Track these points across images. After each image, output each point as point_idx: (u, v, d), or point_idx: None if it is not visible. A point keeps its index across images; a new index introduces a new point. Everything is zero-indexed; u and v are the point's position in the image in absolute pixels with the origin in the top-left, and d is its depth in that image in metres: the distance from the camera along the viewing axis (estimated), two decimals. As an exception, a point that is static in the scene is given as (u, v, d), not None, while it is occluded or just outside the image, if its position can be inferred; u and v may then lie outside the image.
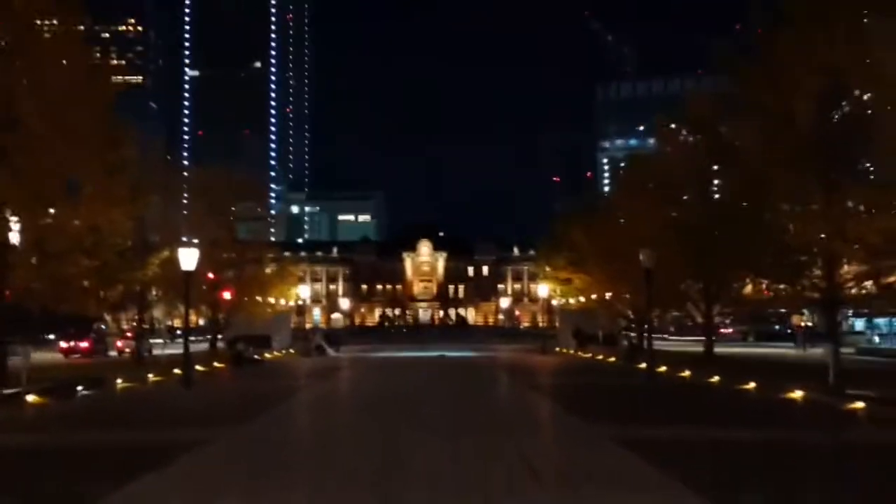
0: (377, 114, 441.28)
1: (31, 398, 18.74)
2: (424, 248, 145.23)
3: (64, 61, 22.20)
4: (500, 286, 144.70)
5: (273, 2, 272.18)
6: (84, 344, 52.75)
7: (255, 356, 40.32)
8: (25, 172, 21.23)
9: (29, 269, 20.72)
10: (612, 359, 38.72)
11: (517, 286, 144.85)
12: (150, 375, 26.55)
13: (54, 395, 20.05)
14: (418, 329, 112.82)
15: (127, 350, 47.46)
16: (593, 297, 49.72)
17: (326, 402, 20.64)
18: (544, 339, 61.44)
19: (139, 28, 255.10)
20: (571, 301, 58.78)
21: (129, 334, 53.25)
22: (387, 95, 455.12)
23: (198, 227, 45.68)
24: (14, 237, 20.33)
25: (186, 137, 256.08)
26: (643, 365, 28.29)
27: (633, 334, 46.50)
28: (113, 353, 50.88)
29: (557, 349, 51.40)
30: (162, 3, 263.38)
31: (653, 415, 17.00)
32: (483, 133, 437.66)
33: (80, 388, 21.83)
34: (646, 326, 33.82)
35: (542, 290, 66.36)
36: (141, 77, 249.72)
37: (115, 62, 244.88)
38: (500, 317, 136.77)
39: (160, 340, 54.37)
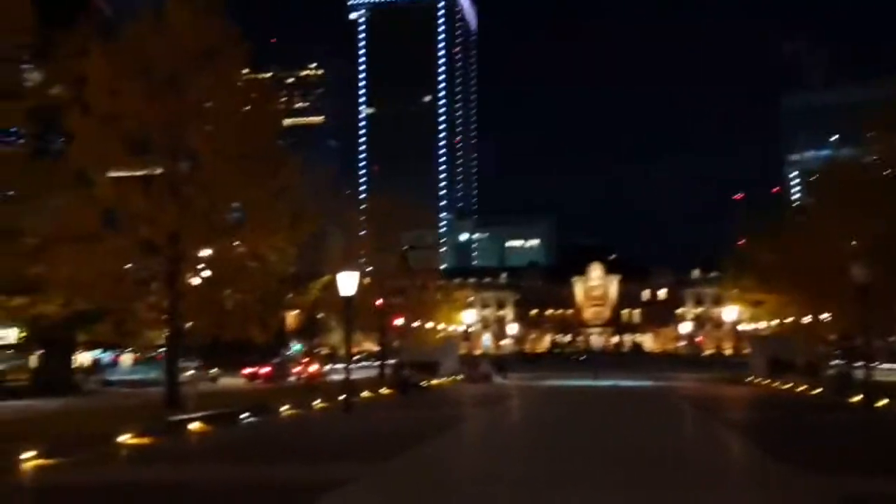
0: (545, 138, 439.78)
1: (194, 426, 18.66)
2: (595, 271, 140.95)
3: (230, 92, 22.58)
4: (679, 310, 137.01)
5: (441, 38, 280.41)
6: (265, 370, 55.03)
7: (422, 382, 39.58)
8: (195, 203, 21.66)
9: (195, 297, 21.01)
10: (817, 390, 34.07)
11: (698, 310, 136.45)
12: (317, 402, 26.32)
13: (218, 422, 19.95)
14: (590, 356, 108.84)
15: (308, 373, 48.99)
16: (788, 320, 44.58)
17: (485, 438, 18.82)
18: (733, 367, 56.33)
19: (319, 72, 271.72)
20: (763, 325, 53.30)
21: (305, 360, 54.79)
22: (554, 119, 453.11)
23: (368, 255, 46.87)
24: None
25: (363, 172, 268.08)
26: (857, 398, 24.22)
27: (840, 362, 41.04)
28: (292, 379, 52.40)
29: (748, 379, 46.54)
30: (339, 48, 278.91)
31: (881, 462, 13.77)
32: (655, 152, 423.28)
33: (244, 415, 21.73)
34: (858, 352, 29.25)
35: (729, 313, 60.84)
36: (322, 117, 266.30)
37: (298, 105, 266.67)
38: (680, 343, 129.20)
39: (339, 366, 55.59)
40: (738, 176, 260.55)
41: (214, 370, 58.75)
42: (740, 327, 68.59)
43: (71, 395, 41.36)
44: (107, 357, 67.44)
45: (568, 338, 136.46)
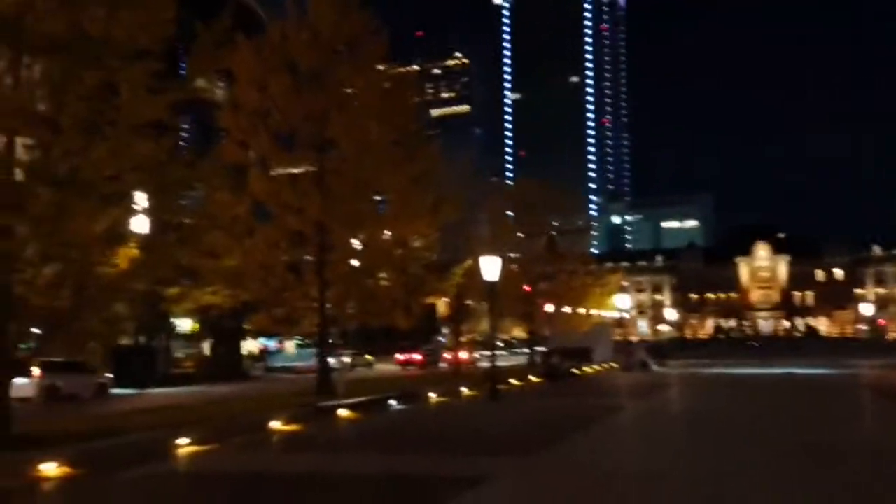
0: (701, 115, 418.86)
1: (342, 413, 18.81)
2: (762, 251, 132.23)
3: (370, 82, 22.63)
4: (858, 291, 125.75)
5: (587, 17, 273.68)
6: (417, 356, 55.99)
7: (573, 370, 38.44)
8: (338, 192, 21.93)
9: (341, 285, 21.27)
10: None
11: (880, 290, 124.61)
12: (465, 389, 26.04)
13: (366, 409, 20.06)
14: (759, 342, 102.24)
15: (458, 360, 49.19)
16: None
17: (640, 431, 17.41)
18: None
19: (464, 61, 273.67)
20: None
21: (455, 347, 55.09)
22: (709, 94, 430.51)
23: (516, 240, 46.29)
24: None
25: (510, 158, 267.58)
26: None
27: None
28: (443, 366, 52.84)
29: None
30: (484, 36, 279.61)
31: None
32: (820, 122, 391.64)
33: (392, 402, 21.77)
34: None
35: None
36: (467, 106, 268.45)
37: (444, 95, 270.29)
38: (860, 327, 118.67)
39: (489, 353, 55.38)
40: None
41: (370, 357, 60.63)
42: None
43: (238, 380, 43.97)
44: (272, 344, 71.41)
45: (732, 322, 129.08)
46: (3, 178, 12.44)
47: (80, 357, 33.35)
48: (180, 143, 23.64)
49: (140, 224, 34.98)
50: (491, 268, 22.20)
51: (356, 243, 21.74)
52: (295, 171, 22.28)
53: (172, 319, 46.38)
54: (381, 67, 23.23)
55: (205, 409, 19.62)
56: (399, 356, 57.10)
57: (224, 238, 23.24)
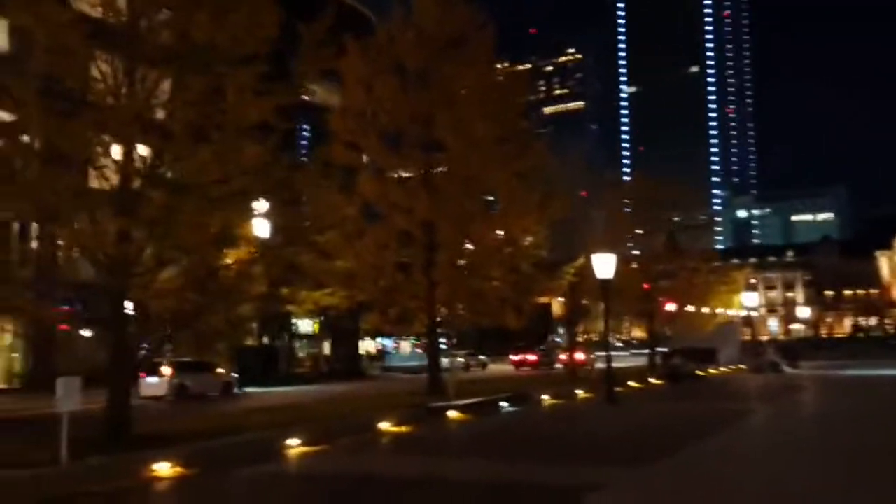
0: (830, 102, 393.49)
1: (452, 414, 18.51)
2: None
3: (476, 78, 22.29)
4: None
5: (707, 2, 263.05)
6: (532, 357, 55.24)
7: (696, 372, 36.60)
8: (446, 191, 21.74)
9: (449, 284, 21.01)
10: None
11: None
12: (580, 391, 25.22)
13: (477, 411, 19.68)
14: (890, 340, 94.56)
15: (574, 361, 48.06)
16: None
17: (769, 439, 15.91)
18: None
19: (578, 56, 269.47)
20: None
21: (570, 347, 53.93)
22: (842, 80, 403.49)
23: (634, 237, 44.76)
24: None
25: (627, 154, 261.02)
26: None
27: None
28: (558, 366, 51.86)
29: None
30: (598, 30, 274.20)
31: None
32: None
33: (504, 404, 21.28)
34: None
35: None
36: (581, 102, 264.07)
37: (557, 92, 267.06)
38: None
39: (613, 353, 53.46)
40: None
41: (483, 357, 60.38)
42: None
43: (356, 380, 44.85)
44: (390, 344, 72.57)
45: (873, 321, 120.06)
46: (122, 185, 12.91)
47: (206, 357, 35.00)
48: (295, 145, 24.15)
49: (259, 227, 36.02)
50: (604, 265, 21.29)
51: (462, 240, 21.40)
52: (403, 172, 22.27)
53: (294, 320, 48.05)
54: (488, 63, 22.78)
55: (319, 409, 19.85)
56: (513, 357, 56.55)
57: (337, 239, 23.61)
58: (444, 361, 56.07)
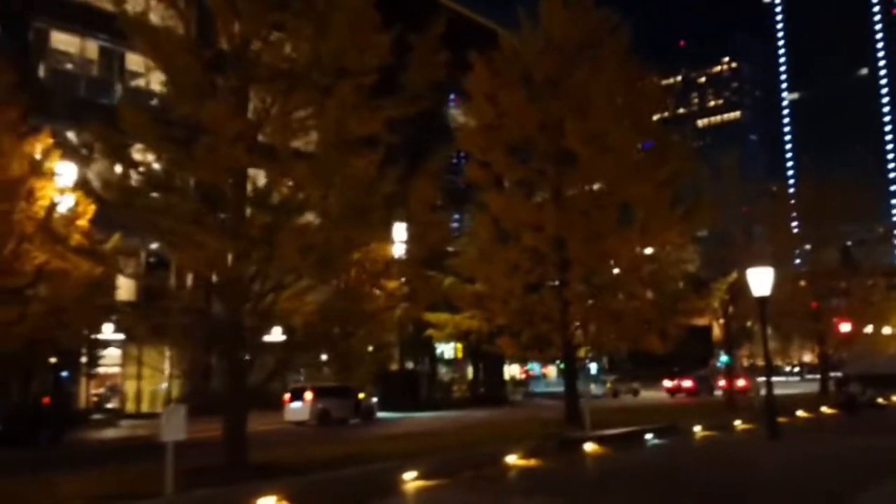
0: None
1: (589, 447, 16.96)
2: None
3: (607, 83, 20.85)
4: None
5: (874, 0, 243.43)
6: (687, 383, 51.77)
7: (878, 400, 32.37)
8: (576, 204, 20.40)
9: (584, 304, 19.50)
10: None
11: None
12: (738, 422, 22.74)
13: (618, 443, 17.99)
14: None
15: (735, 387, 44.49)
16: None
17: None
18: None
19: (733, 65, 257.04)
20: None
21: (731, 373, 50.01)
22: None
23: (802, 252, 41.46)
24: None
25: (790, 164, 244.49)
26: None
27: None
28: (717, 394, 48.23)
29: None
30: (754, 36, 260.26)
31: None
32: None
33: (649, 436, 19.39)
34: None
35: None
36: (738, 112, 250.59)
37: (712, 103, 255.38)
38: None
39: (776, 378, 48.53)
40: None
41: (636, 384, 57.40)
42: None
43: (498, 405, 43.78)
44: (537, 369, 70.87)
45: None
46: (233, 208, 12.73)
47: (348, 382, 35.31)
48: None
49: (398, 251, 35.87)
50: (761, 281, 18.95)
51: (597, 257, 19.82)
52: (529, 183, 21.12)
53: (437, 345, 47.85)
54: (622, 68, 21.23)
55: (448, 438, 18.92)
56: (667, 383, 53.35)
57: (470, 260, 22.83)
58: (592, 388, 54.23)
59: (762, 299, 19.11)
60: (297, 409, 31.53)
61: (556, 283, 20.15)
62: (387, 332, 39.86)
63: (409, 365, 49.21)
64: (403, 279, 33.67)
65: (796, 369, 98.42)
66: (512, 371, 63.68)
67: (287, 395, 31.79)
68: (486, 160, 21.46)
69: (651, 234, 19.76)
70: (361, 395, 34.08)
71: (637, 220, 19.99)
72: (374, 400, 36.30)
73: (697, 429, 20.97)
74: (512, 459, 14.80)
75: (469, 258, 22.44)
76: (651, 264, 20.67)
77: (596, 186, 19.75)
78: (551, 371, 69.03)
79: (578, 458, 15.94)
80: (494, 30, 33.92)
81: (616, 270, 19.98)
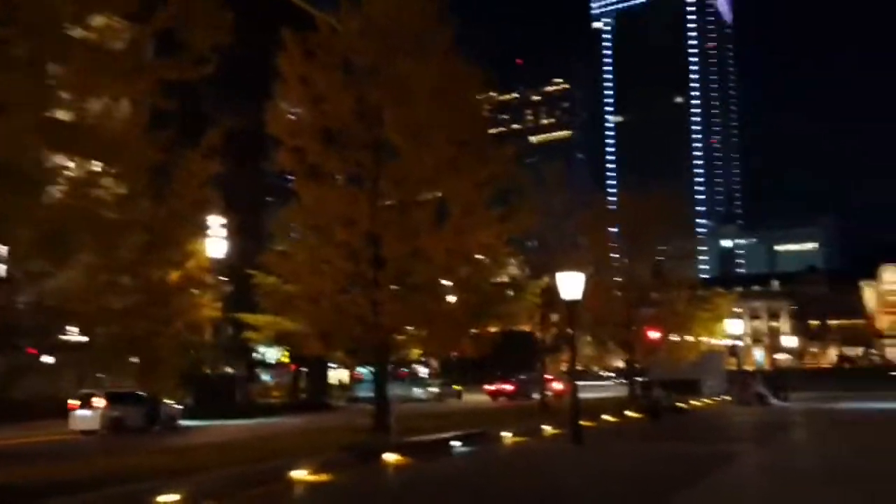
0: (818, 135, 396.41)
1: (390, 457, 15.76)
2: (889, 273, 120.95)
3: (431, 75, 19.84)
4: None
5: (691, 35, 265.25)
6: (508, 387, 52.44)
7: (679, 404, 33.97)
8: (391, 197, 19.27)
9: (395, 306, 18.35)
10: None
11: None
12: (548, 427, 22.54)
13: (424, 452, 16.98)
14: (891, 371, 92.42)
15: (553, 391, 45.52)
16: None
17: (763, 496, 12.86)
18: None
19: (565, 86, 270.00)
20: None
21: (550, 377, 51.26)
22: (827, 115, 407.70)
23: (619, 264, 43.37)
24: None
25: (612, 183, 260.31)
26: None
27: None
28: (536, 397, 49.16)
29: None
30: (585, 60, 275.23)
31: None
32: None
33: (456, 443, 18.56)
34: None
35: None
36: (568, 132, 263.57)
37: (544, 121, 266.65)
38: None
39: (592, 383, 50.25)
40: None
41: (458, 387, 57.53)
42: None
43: (318, 412, 41.91)
44: (367, 373, 69.49)
45: (859, 351, 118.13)
46: None
47: (150, 387, 32.18)
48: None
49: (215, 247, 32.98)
50: (571, 285, 18.75)
51: (410, 256, 18.72)
52: (346, 177, 19.73)
53: (259, 348, 45.22)
54: (446, 61, 20.34)
55: (239, 450, 17.01)
56: (488, 387, 53.87)
57: (275, 256, 21.06)
58: (417, 392, 53.70)
59: (572, 303, 18.89)
60: (86, 417, 28.25)
61: (370, 282, 18.85)
62: (198, 333, 37.05)
63: (228, 370, 46.16)
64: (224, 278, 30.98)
65: (611, 374, 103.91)
66: (341, 375, 61.92)
67: (74, 402, 28.39)
68: (298, 146, 19.81)
69: (467, 234, 18.97)
70: (163, 402, 31.10)
71: (453, 218, 19.13)
72: (179, 407, 33.33)
73: (507, 434, 20.49)
74: (300, 475, 13.27)
75: (276, 253, 20.70)
76: (466, 265, 19.90)
77: (412, 180, 18.67)
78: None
79: (375, 471, 14.67)
80: (308, 10, 32.28)
81: (429, 270, 18.96)
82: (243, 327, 27.41)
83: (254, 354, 48.84)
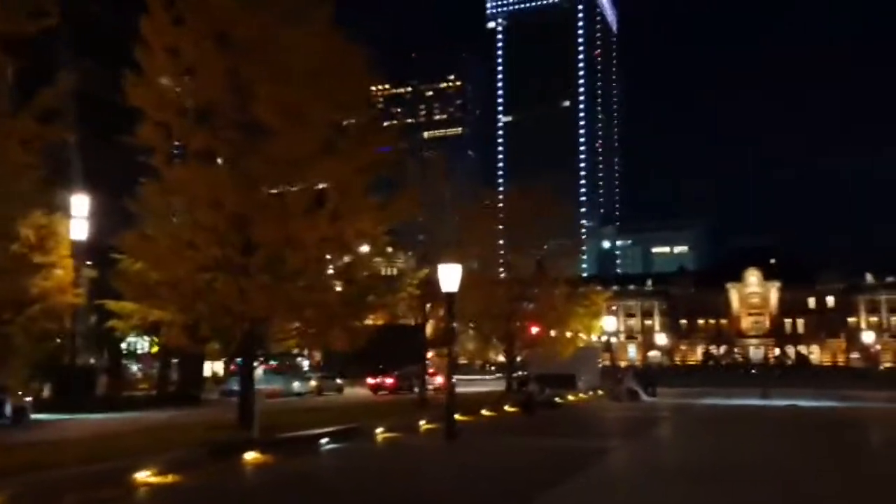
0: (694, 141, 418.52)
1: (251, 455, 14.75)
2: (753, 276, 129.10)
3: (309, 51, 18.76)
4: (851, 319, 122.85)
5: (580, 42, 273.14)
6: (389, 380, 51.76)
7: (555, 399, 34.40)
8: (261, 179, 18.13)
9: (264, 293, 17.26)
10: None
11: (872, 319, 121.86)
12: (423, 422, 22.04)
13: (289, 449, 16.06)
14: (749, 369, 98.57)
15: (434, 385, 45.22)
16: None
17: (627, 493, 12.59)
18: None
19: (458, 83, 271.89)
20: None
21: (431, 371, 51.00)
22: (703, 122, 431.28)
23: (505, 260, 43.78)
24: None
25: (502, 181, 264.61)
26: None
27: None
28: (418, 390, 48.75)
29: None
30: (478, 58, 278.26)
31: None
32: (815, 151, 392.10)
33: (325, 440, 17.73)
34: None
35: None
36: (460, 128, 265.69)
37: (437, 117, 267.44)
38: (853, 355, 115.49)
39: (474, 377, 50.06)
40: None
41: (340, 380, 56.32)
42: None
43: (188, 405, 39.78)
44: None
45: (723, 349, 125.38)
46: None
47: None
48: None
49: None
50: (450, 277, 18.31)
51: (282, 242, 17.62)
52: (209, 154, 18.37)
53: (125, 337, 42.45)
54: (326, 37, 19.32)
55: (83, 447, 15.49)
56: (370, 380, 53.01)
57: (136, 239, 19.48)
58: (296, 385, 52.19)
59: (450, 295, 18.46)
60: (-85, 411, 25.41)
61: (237, 269, 17.63)
62: (57, 321, 34.26)
63: (92, 360, 43.07)
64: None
65: (493, 368, 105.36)
66: (217, 367, 59.28)
67: None
68: (163, 121, 18.31)
69: (344, 221, 18.10)
70: (18, 394, 28.58)
71: (329, 203, 18.20)
72: (28, 399, 30.68)
73: (380, 430, 19.84)
74: (144, 476, 12.09)
75: (136, 236, 19.11)
76: (342, 252, 19.04)
77: (285, 162, 17.58)
78: (258, 367, 65.80)
79: (229, 472, 13.62)
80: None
81: (301, 258, 17.94)
82: (109, 315, 25.48)
83: (122, 345, 46.07)
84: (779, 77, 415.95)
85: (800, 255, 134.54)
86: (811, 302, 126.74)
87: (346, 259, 19.39)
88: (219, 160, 18.52)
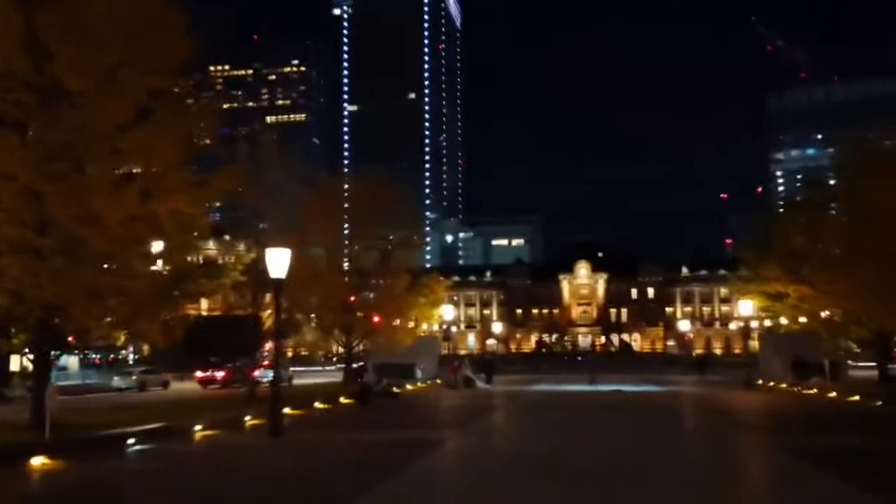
0: (532, 138, 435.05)
1: (38, 460, 12.93)
2: (582, 269, 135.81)
3: (113, 9, 16.78)
4: (668, 309, 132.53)
5: (426, 34, 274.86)
6: (220, 374, 49.22)
7: (394, 388, 33.82)
8: (55, 148, 16.03)
9: (59, 278, 15.25)
10: (853, 397, 28.80)
11: (687, 308, 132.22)
12: (249, 418, 20.64)
13: (89, 451, 14.31)
14: (578, 356, 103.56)
15: (265, 380, 43.28)
16: (823, 315, 39.12)
17: (455, 488, 12.29)
18: (733, 369, 51.68)
19: (302, 69, 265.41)
20: (784, 322, 47.21)
21: (266, 363, 48.99)
22: (540, 120, 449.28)
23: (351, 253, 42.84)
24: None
25: (347, 170, 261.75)
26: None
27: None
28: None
29: (760, 382, 41.13)
30: (324, 44, 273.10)
31: None
32: (640, 154, 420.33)
33: (132, 441, 16.01)
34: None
35: (745, 307, 53.21)
36: (304, 115, 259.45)
37: (280, 102, 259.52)
38: (671, 343, 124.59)
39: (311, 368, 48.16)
40: (723, 175, 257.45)
41: (165, 375, 52.87)
42: (754, 325, 62.92)
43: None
44: (64, 359, 61.20)
45: (555, 337, 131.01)
46: None
47: None
48: None
49: None
50: (278, 262, 17.13)
51: (82, 220, 15.63)
52: (4, 122, 16.04)
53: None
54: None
55: None
56: (199, 374, 50.10)
57: None
58: (116, 380, 48.31)
59: (278, 281, 17.29)
60: None
61: (29, 249, 15.46)
62: None
63: None
64: None
65: (335, 360, 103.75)
66: (27, 361, 53.65)
67: None
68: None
69: (157, 198, 16.38)
70: None
71: (140, 178, 16.42)
72: None
73: (199, 428, 18.32)
74: None
75: None
76: (154, 234, 17.27)
77: (84, 130, 15.57)
78: (72, 362, 60.38)
79: (13, 478, 11.82)
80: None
81: (103, 239, 16.02)
82: None
83: None
84: (619, 75, 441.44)
85: (625, 249, 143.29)
86: (634, 293, 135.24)
87: (160, 243, 17.59)
88: (8, 127, 16.15)
